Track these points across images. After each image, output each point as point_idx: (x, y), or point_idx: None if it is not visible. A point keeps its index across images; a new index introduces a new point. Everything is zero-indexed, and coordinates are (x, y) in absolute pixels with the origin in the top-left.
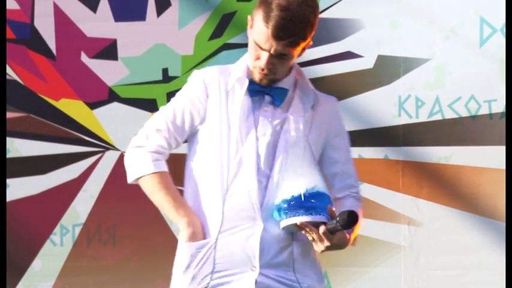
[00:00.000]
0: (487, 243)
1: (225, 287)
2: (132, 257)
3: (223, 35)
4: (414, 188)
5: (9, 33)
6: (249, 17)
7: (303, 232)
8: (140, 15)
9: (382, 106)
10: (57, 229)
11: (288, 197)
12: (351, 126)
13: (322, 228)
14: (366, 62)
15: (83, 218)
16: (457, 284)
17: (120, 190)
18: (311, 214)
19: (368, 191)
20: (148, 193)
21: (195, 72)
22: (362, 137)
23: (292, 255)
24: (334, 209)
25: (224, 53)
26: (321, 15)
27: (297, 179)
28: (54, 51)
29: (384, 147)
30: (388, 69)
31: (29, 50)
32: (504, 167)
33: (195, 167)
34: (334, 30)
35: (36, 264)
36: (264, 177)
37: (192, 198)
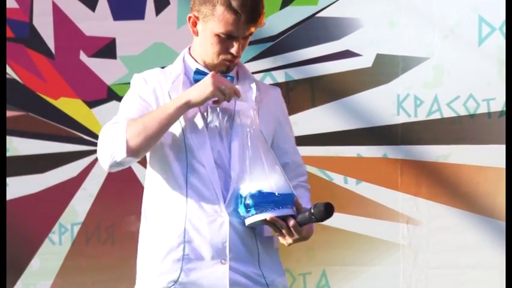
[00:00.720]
0: (486, 242)
1: (196, 277)
2: (131, 255)
3: None
4: (413, 187)
5: (8, 32)
6: (190, 15)
7: (270, 226)
8: (139, 14)
9: (380, 105)
10: (55, 228)
11: (255, 191)
12: (349, 125)
13: (291, 222)
14: (364, 61)
15: (81, 217)
16: (456, 282)
17: (119, 189)
18: (279, 208)
19: (366, 189)
20: (144, 133)
21: (135, 75)
22: (361, 136)
23: (257, 249)
24: (299, 200)
25: None
26: (320, 14)
27: (263, 172)
28: (53, 50)
29: (382, 146)
30: (386, 68)
31: (28, 48)
32: (503, 166)
33: (153, 165)
34: (333, 29)
35: (35, 263)
36: (222, 168)
37: (154, 194)
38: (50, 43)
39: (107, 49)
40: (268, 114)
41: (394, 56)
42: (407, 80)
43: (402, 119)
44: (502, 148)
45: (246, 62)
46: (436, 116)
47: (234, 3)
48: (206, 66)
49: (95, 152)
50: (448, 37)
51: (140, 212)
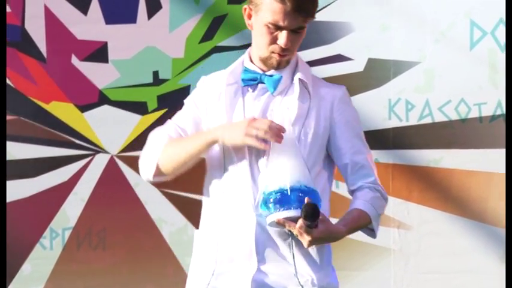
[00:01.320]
0: (477, 247)
1: (225, 280)
2: (122, 261)
3: (214, 38)
4: (404, 191)
5: None
6: (245, 7)
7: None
8: (131, 18)
9: (372, 109)
10: (47, 233)
11: (276, 188)
12: None
13: (298, 223)
14: (356, 65)
15: (72, 222)
16: (447, 287)
17: (111, 193)
18: (288, 209)
19: None
20: (171, 160)
21: (202, 77)
22: None
23: (290, 247)
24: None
25: (215, 55)
26: None
27: (283, 169)
28: (45, 54)
29: (374, 150)
30: (378, 72)
31: (20, 52)
32: (494, 170)
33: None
34: (324, 33)
35: (26, 268)
36: (257, 169)
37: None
38: (42, 47)
39: (98, 53)
40: (318, 113)
41: (386, 60)
42: (398, 84)
43: (394, 123)
44: (493, 152)
45: None
46: (427, 120)
47: None
48: (261, 61)
49: (86, 156)
50: (439, 41)
51: (131, 216)
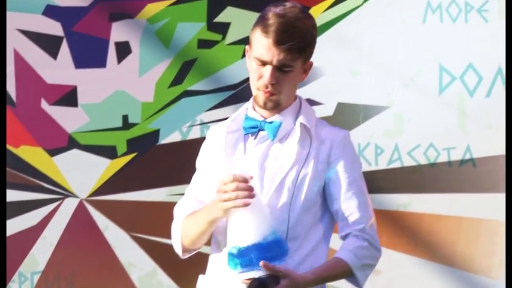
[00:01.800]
0: None
1: None
2: None
3: (183, 82)
4: None
5: None
6: (245, 48)
7: None
8: (101, 62)
9: None
10: (15, 277)
11: (239, 245)
12: None
13: None
14: (325, 109)
15: (41, 266)
16: None
17: (79, 237)
18: (251, 270)
19: None
20: (190, 238)
21: (210, 127)
22: None
23: None
24: (267, 265)
25: (184, 100)
26: None
27: (247, 226)
28: (14, 98)
29: None
30: (347, 117)
31: None
32: (463, 215)
33: None
34: None
35: None
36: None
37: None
38: (11, 91)
39: (68, 97)
40: (318, 158)
41: (355, 105)
42: (368, 128)
43: (363, 167)
44: (462, 197)
45: (206, 111)
46: (396, 164)
47: (269, 24)
48: (258, 105)
49: (55, 200)
50: (408, 86)
51: (100, 260)
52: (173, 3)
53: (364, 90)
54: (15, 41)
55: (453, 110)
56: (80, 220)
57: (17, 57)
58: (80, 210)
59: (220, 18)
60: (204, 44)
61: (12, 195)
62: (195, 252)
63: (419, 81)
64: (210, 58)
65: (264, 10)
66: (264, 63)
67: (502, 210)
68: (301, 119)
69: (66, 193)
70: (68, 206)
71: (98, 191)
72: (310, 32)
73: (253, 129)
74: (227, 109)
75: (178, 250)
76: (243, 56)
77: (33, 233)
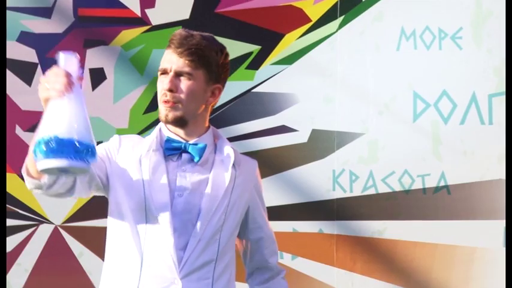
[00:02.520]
0: None
1: None
2: None
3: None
4: (348, 262)
5: None
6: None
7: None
8: None
9: (316, 180)
10: None
11: (53, 136)
12: (285, 199)
13: None
14: (300, 136)
15: None
16: None
17: (54, 264)
18: (77, 159)
19: (302, 265)
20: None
21: (115, 135)
22: (296, 211)
23: None
24: None
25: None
26: (256, 89)
27: (65, 118)
28: None
29: (318, 221)
30: (322, 144)
31: None
32: (437, 241)
33: (112, 230)
34: (269, 104)
35: None
36: (182, 237)
37: (110, 260)
38: None
39: None
40: (242, 184)
41: (330, 132)
42: (342, 155)
43: (338, 194)
44: (437, 224)
45: None
46: (371, 191)
47: (170, 40)
48: (176, 133)
49: (30, 226)
50: (383, 113)
51: (75, 286)
52: (148, 30)
53: (339, 117)
54: None
55: (427, 136)
56: (55, 246)
57: None
58: (55, 236)
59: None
60: None
61: None
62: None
63: (393, 108)
64: None
65: None
66: (164, 73)
67: (477, 237)
68: (227, 143)
69: (41, 219)
70: (43, 232)
71: (73, 217)
72: (213, 50)
73: (176, 151)
74: None
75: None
76: None
77: (8, 259)
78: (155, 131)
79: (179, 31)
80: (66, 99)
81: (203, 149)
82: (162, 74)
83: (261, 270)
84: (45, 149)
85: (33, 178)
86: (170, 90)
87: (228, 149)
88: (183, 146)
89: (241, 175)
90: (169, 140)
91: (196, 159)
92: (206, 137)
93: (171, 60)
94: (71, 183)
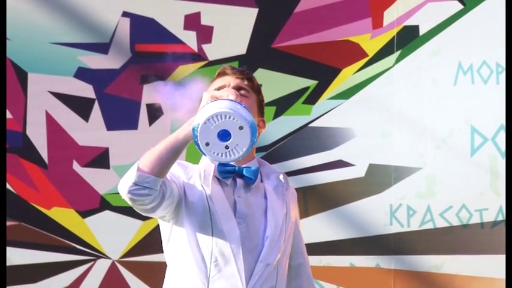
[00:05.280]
0: None
1: None
2: None
3: None
4: None
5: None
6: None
7: None
8: (132, 124)
9: (373, 214)
10: None
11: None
12: (342, 234)
13: None
14: (357, 171)
15: None
16: None
17: None
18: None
19: None
20: (148, 155)
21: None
22: (353, 246)
23: None
24: None
25: None
26: (312, 124)
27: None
28: (46, 160)
29: (375, 256)
30: (379, 178)
31: (21, 158)
32: (496, 276)
33: (174, 256)
34: (326, 139)
35: None
36: (245, 265)
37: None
38: (43, 153)
39: (100, 159)
40: (292, 211)
41: (387, 166)
42: (400, 190)
43: (395, 229)
44: (494, 258)
45: None
46: (428, 226)
47: (218, 72)
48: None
49: (87, 261)
50: (440, 147)
51: None
52: (205, 65)
53: (396, 152)
54: (47, 103)
55: (485, 171)
56: (113, 281)
57: (49, 119)
58: (112, 271)
59: None
60: None
61: (45, 257)
62: (154, 174)
63: (451, 142)
64: None
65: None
66: (220, 89)
67: None
68: (274, 170)
69: (98, 254)
70: (100, 267)
71: (130, 252)
72: (257, 83)
73: (230, 175)
74: None
75: (131, 174)
76: (275, 117)
77: None
78: (205, 158)
79: (226, 66)
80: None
81: (256, 172)
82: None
83: None
84: (221, 106)
85: (145, 173)
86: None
87: (278, 176)
88: (237, 169)
89: (289, 199)
90: (222, 164)
91: (251, 181)
92: (254, 163)
93: (227, 80)
94: (160, 198)
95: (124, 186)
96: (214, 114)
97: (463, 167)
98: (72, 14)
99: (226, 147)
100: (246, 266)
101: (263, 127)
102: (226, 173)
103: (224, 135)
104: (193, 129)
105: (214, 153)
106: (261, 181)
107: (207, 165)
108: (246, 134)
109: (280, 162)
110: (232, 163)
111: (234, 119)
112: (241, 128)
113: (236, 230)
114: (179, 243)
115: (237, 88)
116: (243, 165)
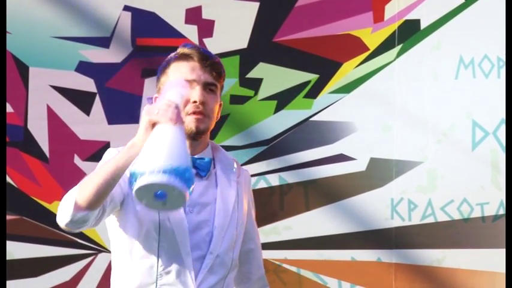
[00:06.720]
0: None
1: None
2: None
3: (216, 137)
4: None
5: None
6: (154, 97)
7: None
8: (133, 119)
9: (374, 208)
10: None
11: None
12: (343, 228)
13: None
14: (358, 165)
15: None
16: None
17: None
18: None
19: None
20: (94, 188)
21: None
22: (354, 240)
23: None
24: None
25: None
26: (314, 118)
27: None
28: (48, 154)
29: (376, 250)
30: (380, 172)
31: (22, 152)
32: (497, 270)
33: (120, 251)
34: (327, 133)
35: None
36: (196, 255)
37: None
38: (45, 147)
39: (101, 153)
40: (244, 197)
41: (388, 160)
42: (401, 184)
43: (396, 223)
44: (496, 252)
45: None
46: (430, 220)
47: (184, 54)
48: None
49: (88, 255)
50: (441, 141)
51: None
52: None
53: (397, 146)
54: (48, 97)
55: (486, 165)
56: None
57: (50, 113)
58: None
59: (253, 74)
60: (236, 99)
61: (46, 251)
62: (91, 209)
63: (452, 136)
64: (242, 114)
65: (167, 58)
66: (189, 82)
67: None
68: (226, 155)
69: (99, 248)
70: (102, 261)
71: None
72: (222, 68)
73: None
74: (260, 164)
75: (68, 210)
76: (276, 111)
77: None
78: None
79: (189, 45)
80: (176, 128)
81: (209, 164)
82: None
83: (247, 284)
84: (159, 169)
85: (82, 210)
86: (202, 103)
87: (230, 162)
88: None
89: (241, 186)
90: None
91: (203, 173)
92: (208, 151)
93: (197, 73)
94: (100, 214)
95: (61, 220)
96: (150, 184)
97: (464, 161)
98: (73, 8)
99: (163, 203)
100: (196, 257)
101: (219, 111)
102: None
103: (161, 195)
104: (131, 174)
105: (149, 206)
106: (214, 167)
107: None
108: (183, 196)
109: (281, 156)
110: (200, 129)
111: (172, 187)
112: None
113: (184, 223)
114: (126, 237)
115: (205, 84)
116: (196, 156)
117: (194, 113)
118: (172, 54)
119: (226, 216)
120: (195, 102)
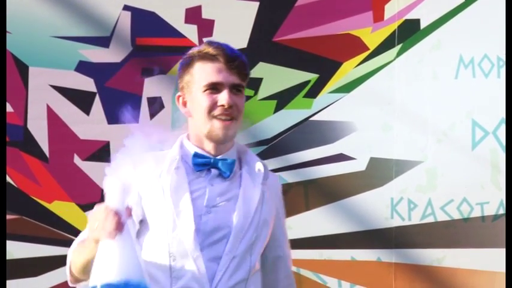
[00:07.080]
0: None
1: None
2: None
3: None
4: None
5: None
6: (178, 95)
7: None
8: (133, 118)
9: (374, 208)
10: None
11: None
12: (343, 228)
13: None
14: (358, 164)
15: None
16: None
17: None
18: None
19: None
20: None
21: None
22: (354, 239)
23: None
24: None
25: None
26: (314, 118)
27: (114, 262)
28: (47, 154)
29: (376, 250)
30: (380, 172)
31: (22, 152)
32: (497, 269)
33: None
34: (327, 133)
35: None
36: (213, 255)
37: None
38: (44, 146)
39: (101, 152)
40: (270, 201)
41: (388, 160)
42: (401, 183)
43: (396, 222)
44: (495, 252)
45: None
46: (430, 219)
47: (208, 54)
48: (203, 148)
49: None
50: (441, 141)
51: None
52: None
53: (397, 145)
54: (48, 97)
55: (486, 164)
56: None
57: (50, 112)
58: None
59: (253, 73)
60: None
61: (46, 250)
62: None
63: (452, 136)
64: (245, 115)
65: (186, 54)
66: (215, 88)
67: None
68: (255, 157)
69: None
70: None
71: None
72: (248, 63)
73: (205, 167)
74: None
75: (68, 278)
76: (276, 110)
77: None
78: (176, 146)
79: (214, 43)
80: (117, 241)
81: (233, 164)
82: (209, 88)
83: None
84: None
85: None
86: (230, 107)
87: (258, 164)
88: (212, 162)
89: (269, 190)
90: (197, 155)
91: (226, 174)
92: (232, 152)
93: (224, 75)
94: None
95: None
96: None
97: (464, 160)
98: (73, 8)
99: None
100: (212, 257)
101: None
102: (200, 165)
103: None
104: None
105: None
106: (240, 168)
107: (173, 160)
108: None
109: (281, 156)
110: (207, 155)
111: None
112: None
113: (191, 225)
114: (145, 240)
115: (232, 86)
116: (219, 157)
117: (222, 117)
118: (195, 51)
119: (247, 217)
120: (222, 105)
